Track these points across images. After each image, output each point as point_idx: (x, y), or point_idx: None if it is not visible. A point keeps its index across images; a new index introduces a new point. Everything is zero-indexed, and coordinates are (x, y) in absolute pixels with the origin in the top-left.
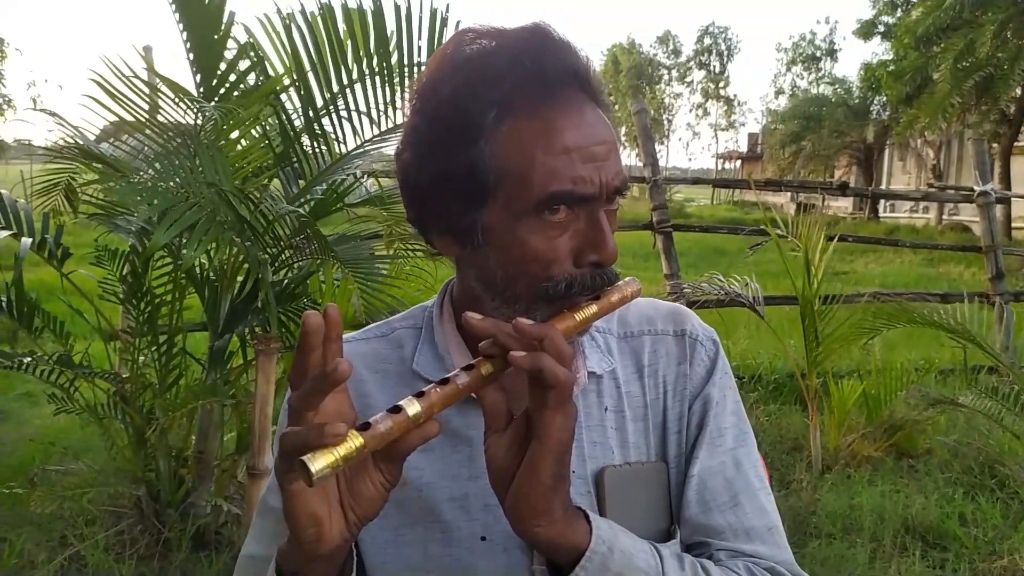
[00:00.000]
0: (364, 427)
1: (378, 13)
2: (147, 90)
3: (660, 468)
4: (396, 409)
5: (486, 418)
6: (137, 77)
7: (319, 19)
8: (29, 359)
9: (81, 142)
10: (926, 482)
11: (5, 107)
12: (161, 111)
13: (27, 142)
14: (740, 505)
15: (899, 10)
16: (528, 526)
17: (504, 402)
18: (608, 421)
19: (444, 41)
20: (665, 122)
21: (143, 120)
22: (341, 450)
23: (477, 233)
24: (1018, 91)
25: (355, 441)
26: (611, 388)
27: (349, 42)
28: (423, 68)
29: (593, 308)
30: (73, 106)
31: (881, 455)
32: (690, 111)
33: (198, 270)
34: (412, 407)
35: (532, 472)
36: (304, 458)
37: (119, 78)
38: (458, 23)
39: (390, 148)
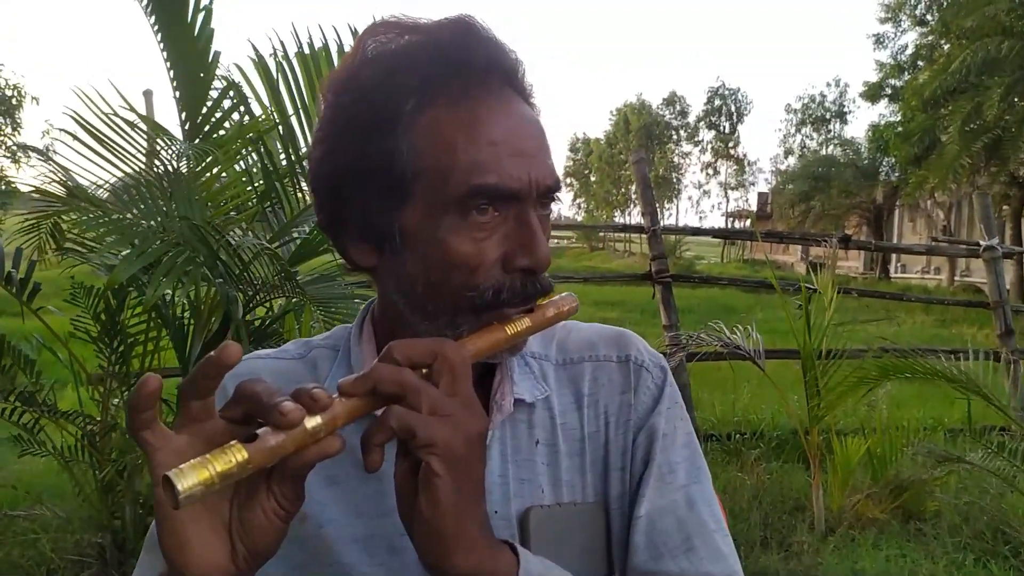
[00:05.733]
0: (250, 439)
1: None
2: (125, 127)
3: (596, 510)
4: None
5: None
6: (114, 114)
7: (302, 63)
8: None
9: (60, 179)
10: (934, 546)
11: (21, 155)
12: (131, 146)
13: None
14: (694, 549)
15: (905, 73)
16: (439, 558)
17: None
18: (539, 456)
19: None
20: (675, 180)
21: (114, 154)
22: (218, 464)
23: (395, 236)
24: None
25: (236, 455)
26: (544, 419)
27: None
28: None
29: (526, 322)
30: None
31: (887, 517)
32: (701, 170)
33: (178, 309)
34: (311, 419)
35: (429, 490)
36: (170, 473)
37: (97, 116)
38: None
39: None
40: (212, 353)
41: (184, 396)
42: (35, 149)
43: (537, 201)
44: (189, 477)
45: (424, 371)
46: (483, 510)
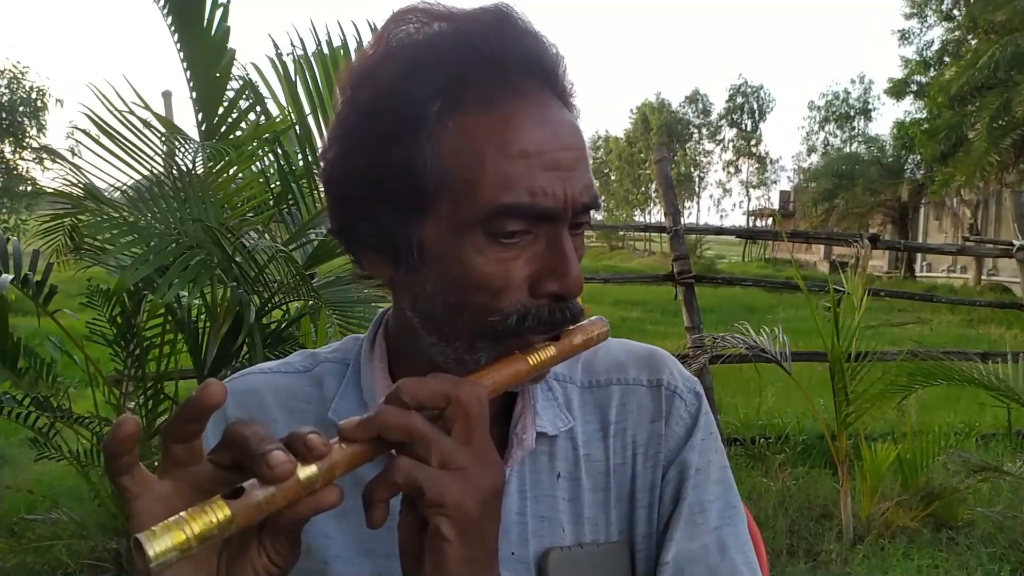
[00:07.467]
0: (235, 493)
1: None
2: (141, 128)
3: (620, 550)
4: None
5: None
6: (129, 113)
7: (320, 61)
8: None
9: (75, 180)
10: (967, 557)
11: (47, 158)
12: (147, 147)
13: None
14: None
15: (931, 69)
16: None
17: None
18: (560, 491)
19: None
20: (696, 179)
21: (131, 155)
22: (196, 524)
23: (413, 251)
24: None
25: (218, 513)
26: (567, 450)
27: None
28: (360, 53)
29: (551, 350)
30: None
31: (918, 525)
32: (722, 169)
33: (192, 312)
34: (306, 468)
35: (436, 555)
36: (140, 536)
37: (113, 115)
38: None
39: None
40: (193, 393)
41: (166, 438)
42: (54, 151)
43: (571, 220)
44: (162, 540)
45: (435, 412)
46: (493, 574)
